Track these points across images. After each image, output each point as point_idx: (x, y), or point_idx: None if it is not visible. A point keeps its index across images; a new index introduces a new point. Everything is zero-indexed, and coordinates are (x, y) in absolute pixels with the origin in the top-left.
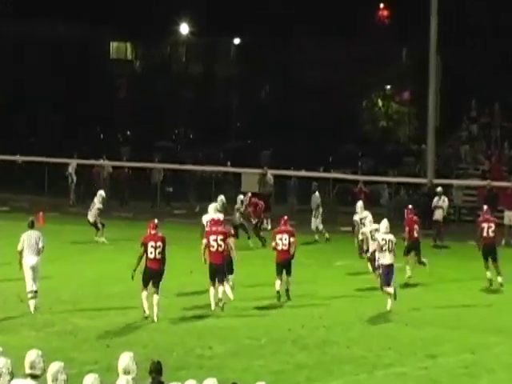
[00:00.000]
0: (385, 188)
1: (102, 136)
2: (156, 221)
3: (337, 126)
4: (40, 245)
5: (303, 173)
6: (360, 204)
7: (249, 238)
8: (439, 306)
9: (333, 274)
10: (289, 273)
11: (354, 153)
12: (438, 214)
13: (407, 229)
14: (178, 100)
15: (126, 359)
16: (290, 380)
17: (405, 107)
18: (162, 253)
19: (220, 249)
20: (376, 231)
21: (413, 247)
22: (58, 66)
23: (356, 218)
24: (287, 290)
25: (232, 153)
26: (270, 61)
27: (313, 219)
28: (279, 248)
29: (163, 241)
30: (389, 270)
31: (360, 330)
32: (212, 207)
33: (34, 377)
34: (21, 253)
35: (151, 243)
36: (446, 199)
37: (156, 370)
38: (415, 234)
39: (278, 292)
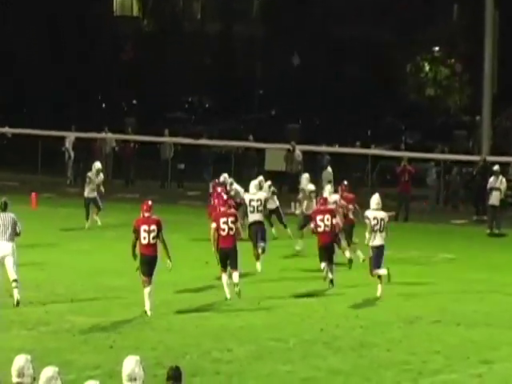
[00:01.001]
0: (432, 166)
1: (103, 105)
2: (150, 202)
3: (376, 95)
4: (17, 229)
5: (336, 149)
6: (306, 176)
7: (285, 226)
8: (494, 302)
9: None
10: (331, 257)
11: (397, 126)
12: (495, 197)
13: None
14: (191, 64)
15: (131, 363)
16: None
17: (455, 72)
18: (157, 237)
19: (231, 232)
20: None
21: (345, 229)
22: (55, 23)
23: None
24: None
25: (254, 125)
26: (298, 18)
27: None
28: (320, 230)
29: (158, 224)
30: (380, 251)
31: (402, 330)
32: (254, 184)
33: None
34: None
35: (144, 227)
36: (504, 180)
37: (174, 376)
38: (350, 215)
39: (325, 278)
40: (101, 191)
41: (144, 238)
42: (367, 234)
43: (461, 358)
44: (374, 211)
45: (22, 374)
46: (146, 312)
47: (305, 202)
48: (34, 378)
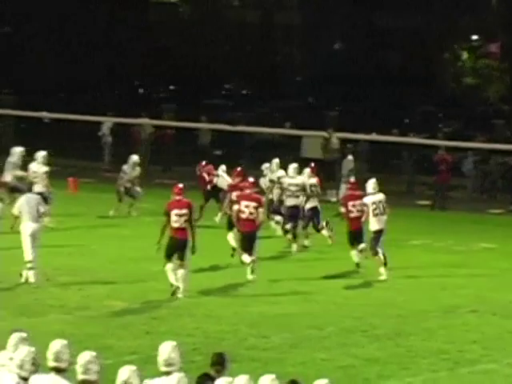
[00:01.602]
0: (470, 155)
1: (141, 90)
2: (181, 185)
3: (414, 83)
4: (41, 210)
5: (374, 136)
6: (276, 161)
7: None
8: None
9: (407, 254)
10: (361, 242)
11: (434, 114)
12: None
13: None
14: (229, 51)
15: (168, 349)
16: (359, 376)
17: (494, 61)
18: (189, 221)
19: (251, 216)
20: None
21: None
22: (93, 9)
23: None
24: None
25: (291, 112)
26: (337, 6)
27: (343, 186)
28: (352, 215)
29: (189, 207)
30: (379, 235)
31: (439, 319)
32: (293, 167)
33: (58, 370)
34: (18, 218)
35: (175, 211)
36: None
37: (219, 362)
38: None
39: (357, 264)
40: (136, 185)
41: (175, 222)
42: (370, 220)
43: (498, 348)
44: (371, 196)
45: (58, 358)
46: (172, 285)
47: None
48: (71, 363)
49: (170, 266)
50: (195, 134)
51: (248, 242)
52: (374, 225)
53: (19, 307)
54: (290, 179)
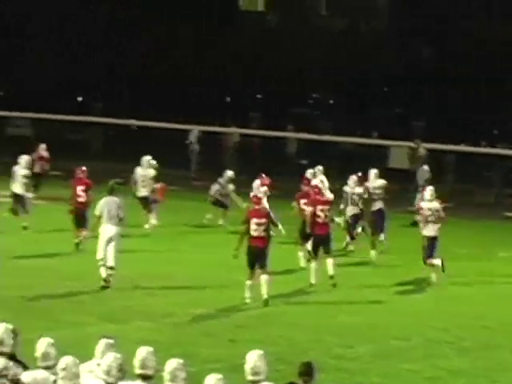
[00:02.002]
0: None
1: (228, 99)
2: (260, 195)
3: (506, 94)
4: (121, 214)
5: (462, 147)
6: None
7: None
8: None
9: (494, 266)
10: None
11: None
12: None
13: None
14: (316, 59)
15: (255, 358)
16: None
17: None
18: (267, 229)
19: (326, 220)
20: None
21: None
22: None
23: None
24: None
25: (378, 122)
26: (426, 14)
27: (418, 195)
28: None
29: (268, 216)
30: (434, 242)
31: None
32: (374, 173)
33: (144, 378)
34: (99, 219)
35: (255, 219)
36: None
37: (307, 372)
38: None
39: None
40: (228, 198)
41: (255, 230)
42: (421, 224)
43: None
44: (428, 202)
45: (144, 365)
46: (245, 299)
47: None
48: (157, 370)
49: (249, 283)
50: (281, 143)
51: (322, 245)
52: (427, 230)
53: (105, 313)
54: (373, 183)
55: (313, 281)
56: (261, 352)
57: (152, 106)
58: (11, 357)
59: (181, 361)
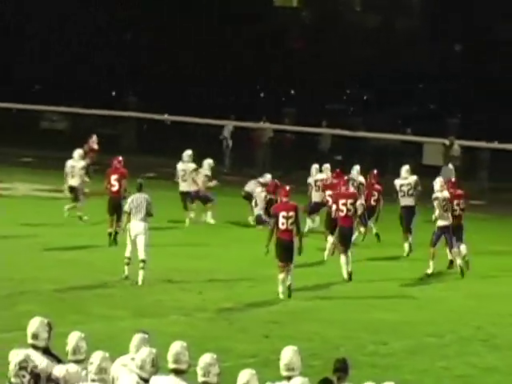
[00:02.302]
0: None
1: (262, 94)
2: (288, 187)
3: None
4: (151, 210)
5: (496, 145)
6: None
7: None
8: None
9: None
10: (460, 239)
11: None
12: None
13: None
14: (350, 55)
15: (289, 353)
16: None
17: None
18: (295, 223)
19: (349, 213)
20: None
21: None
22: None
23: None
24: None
25: (413, 119)
26: (460, 13)
27: None
28: (456, 214)
29: (296, 209)
30: (443, 231)
31: None
32: (405, 169)
33: (178, 372)
34: (129, 215)
35: (283, 213)
36: None
37: (342, 368)
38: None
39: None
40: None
41: (282, 224)
42: (436, 213)
43: None
44: (440, 192)
45: (178, 360)
46: (278, 294)
47: None
48: (190, 365)
49: (281, 276)
50: (315, 139)
51: (347, 237)
52: (443, 220)
53: (139, 308)
54: (402, 180)
55: (345, 276)
56: (295, 348)
57: (186, 101)
58: (45, 350)
59: (214, 356)
